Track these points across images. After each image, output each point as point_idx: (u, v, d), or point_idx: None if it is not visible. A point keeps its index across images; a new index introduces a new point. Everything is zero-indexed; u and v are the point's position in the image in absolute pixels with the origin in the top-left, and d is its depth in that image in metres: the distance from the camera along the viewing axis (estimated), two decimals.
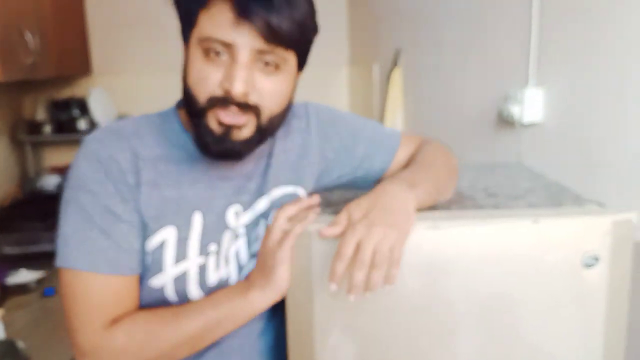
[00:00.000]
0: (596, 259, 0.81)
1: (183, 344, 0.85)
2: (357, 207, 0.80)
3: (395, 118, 2.46)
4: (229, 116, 0.81)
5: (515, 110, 1.35)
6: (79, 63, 3.11)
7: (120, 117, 3.24)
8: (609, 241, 0.81)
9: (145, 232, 0.85)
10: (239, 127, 0.82)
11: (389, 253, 0.75)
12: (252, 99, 0.81)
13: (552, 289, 0.82)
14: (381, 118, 2.65)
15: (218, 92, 0.80)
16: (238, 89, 0.78)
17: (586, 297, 0.82)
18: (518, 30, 1.40)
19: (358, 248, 0.75)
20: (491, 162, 1.33)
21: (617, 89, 1.06)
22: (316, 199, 0.90)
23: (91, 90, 3.05)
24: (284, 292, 0.84)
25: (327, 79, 3.57)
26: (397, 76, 2.43)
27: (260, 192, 0.94)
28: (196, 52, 0.81)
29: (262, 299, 0.84)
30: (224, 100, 0.80)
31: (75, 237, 0.82)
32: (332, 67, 3.55)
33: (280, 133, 0.97)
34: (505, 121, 1.44)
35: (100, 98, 3.09)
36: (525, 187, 1.04)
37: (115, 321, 0.84)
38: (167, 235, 0.86)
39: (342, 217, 0.80)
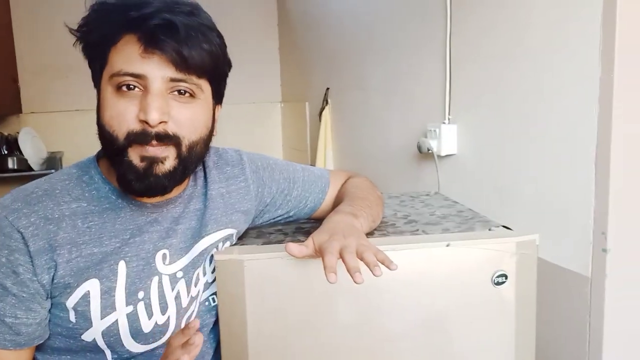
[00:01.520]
0: (505, 276, 0.88)
1: None
2: (320, 234, 0.82)
3: (327, 152, 2.55)
4: (150, 150, 0.79)
5: (433, 144, 1.44)
6: (8, 102, 3.05)
7: (51, 155, 3.17)
8: (515, 260, 0.88)
9: (65, 291, 0.81)
10: (161, 161, 0.80)
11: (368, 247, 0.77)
12: (171, 129, 0.79)
13: (469, 307, 0.89)
14: (313, 152, 2.73)
15: (135, 126, 0.78)
16: (154, 118, 0.76)
17: (498, 311, 0.89)
18: (433, 74, 1.52)
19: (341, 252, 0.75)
20: (413, 192, 1.40)
21: (518, 124, 1.18)
22: (195, 322, 0.78)
23: (21, 128, 2.99)
24: None
25: (263, 115, 3.65)
26: (327, 113, 2.53)
27: (199, 235, 0.92)
28: (108, 90, 0.79)
29: None
30: (143, 135, 0.78)
31: None
32: (267, 105, 3.64)
33: (215, 176, 0.98)
34: (424, 154, 1.53)
35: (30, 137, 3.02)
36: (441, 213, 1.13)
37: None
38: (88, 287, 0.81)
39: (309, 242, 0.80)
